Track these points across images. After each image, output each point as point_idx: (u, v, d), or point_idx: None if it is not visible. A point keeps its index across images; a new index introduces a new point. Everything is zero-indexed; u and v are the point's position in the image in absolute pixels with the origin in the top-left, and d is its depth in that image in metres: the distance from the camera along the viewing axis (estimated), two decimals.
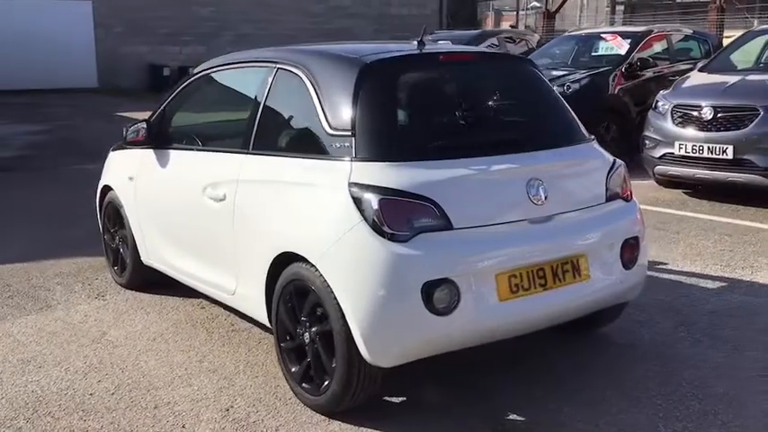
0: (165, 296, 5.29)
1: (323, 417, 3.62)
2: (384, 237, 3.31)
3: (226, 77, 4.77)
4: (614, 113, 9.96)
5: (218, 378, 4.07)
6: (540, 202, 3.63)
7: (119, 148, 5.51)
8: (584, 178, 3.95)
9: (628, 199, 4.12)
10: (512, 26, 31.26)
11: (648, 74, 10.37)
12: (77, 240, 6.68)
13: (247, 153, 4.13)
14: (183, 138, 4.84)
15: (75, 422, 3.63)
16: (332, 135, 3.62)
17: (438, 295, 3.30)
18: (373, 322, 3.32)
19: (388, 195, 3.35)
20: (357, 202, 3.37)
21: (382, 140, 3.54)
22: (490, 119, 3.96)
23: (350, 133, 3.55)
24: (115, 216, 5.53)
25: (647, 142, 8.31)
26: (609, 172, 4.02)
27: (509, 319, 3.55)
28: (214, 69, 4.81)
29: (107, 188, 5.61)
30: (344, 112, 3.61)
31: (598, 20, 31.73)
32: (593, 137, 4.27)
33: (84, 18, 23.82)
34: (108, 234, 5.68)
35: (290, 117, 4.10)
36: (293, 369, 3.78)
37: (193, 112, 5.06)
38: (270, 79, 4.15)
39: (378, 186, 3.37)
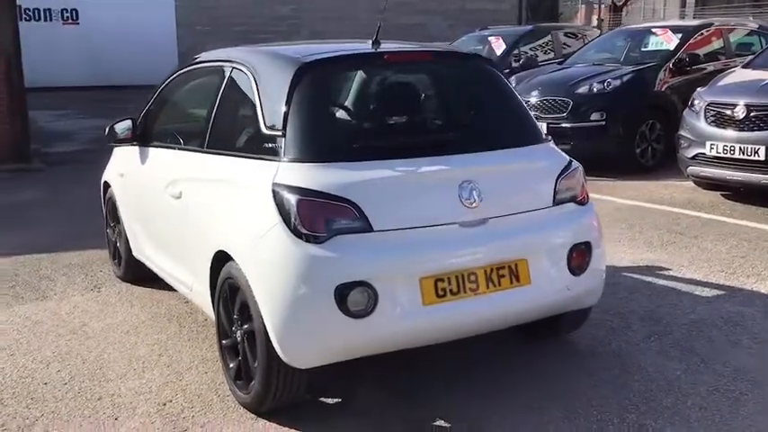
0: (155, 290, 5.43)
1: (251, 415, 3.66)
2: (300, 238, 3.31)
3: (195, 76, 4.85)
4: (659, 111, 9.59)
5: (170, 372, 4.17)
6: (472, 206, 3.54)
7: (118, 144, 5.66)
8: (528, 181, 3.83)
9: (583, 203, 3.98)
10: (599, 20, 30.53)
11: (701, 70, 9.92)
12: (99, 233, 6.92)
13: (202, 152, 4.21)
14: (160, 136, 4.96)
15: (21, 410, 3.79)
16: (266, 135, 3.64)
17: (353, 298, 3.28)
18: (287, 323, 3.33)
19: (306, 196, 3.34)
20: (278, 202, 3.38)
21: (309, 141, 3.54)
22: (427, 120, 3.90)
23: (281, 133, 3.56)
24: (114, 211, 5.72)
25: (681, 142, 7.98)
26: (560, 175, 3.89)
27: (435, 324, 3.48)
28: (187, 68, 4.91)
29: (107, 184, 5.81)
30: (278, 112, 3.62)
31: (671, 14, 30.56)
32: (549, 138, 4.14)
33: (167, 17, 24.57)
34: (109, 228, 5.89)
35: (238, 116, 4.14)
36: (230, 366, 3.83)
37: (172, 110, 5.17)
38: (225, 78, 4.21)
39: (297, 187, 3.37)
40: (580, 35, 13.70)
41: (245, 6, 25.69)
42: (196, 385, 4.00)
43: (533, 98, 9.70)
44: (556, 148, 4.12)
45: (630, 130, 9.37)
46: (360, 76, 3.92)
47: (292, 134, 3.54)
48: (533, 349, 4.36)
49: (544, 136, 4.13)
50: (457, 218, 3.53)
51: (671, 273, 5.63)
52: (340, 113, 3.81)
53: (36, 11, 23.27)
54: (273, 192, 3.41)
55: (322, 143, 3.56)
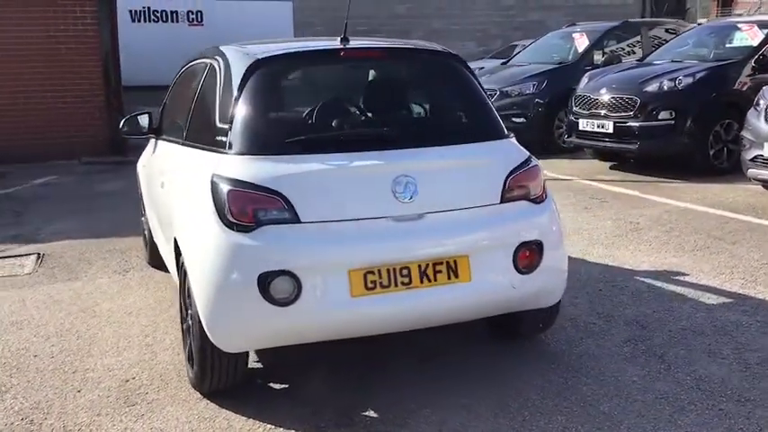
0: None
1: (198, 396, 3.84)
2: (229, 227, 3.46)
3: (191, 71, 5.08)
4: (737, 111, 9.07)
5: (147, 352, 4.43)
6: (405, 200, 3.57)
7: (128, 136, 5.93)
8: (473, 177, 3.79)
9: (538, 201, 3.92)
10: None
11: None
12: None
13: (180, 144, 4.45)
14: (166, 129, 5.24)
15: (2, 378, 4.14)
16: (219, 128, 3.82)
17: (276, 286, 3.39)
18: (214, 309, 3.49)
19: (237, 187, 3.49)
20: (213, 193, 3.55)
21: (249, 135, 3.68)
22: (370, 115, 3.94)
23: (228, 127, 3.73)
24: (142, 199, 6.09)
25: (743, 143, 7.55)
26: (512, 172, 3.84)
27: (363, 316, 3.54)
28: (188, 64, 5.16)
29: (138, 174, 6.20)
30: (228, 107, 3.79)
31: None
32: (510, 134, 4.09)
33: (285, 18, 25.39)
34: (142, 216, 6.27)
35: (205, 110, 4.32)
36: (185, 348, 4.04)
37: (173, 104, 5.43)
38: (204, 74, 4.42)
39: (230, 179, 3.52)
40: (676, 30, 13.11)
41: (363, 6, 26.08)
42: (164, 365, 4.24)
43: (602, 96, 9.45)
44: (515, 144, 4.07)
45: (703, 130, 8.94)
46: (309, 72, 4.03)
47: (236, 128, 3.70)
48: (500, 348, 4.33)
49: (505, 132, 4.09)
50: (389, 212, 3.57)
51: (686, 279, 5.39)
52: (283, 108, 3.93)
53: (164, 12, 24.63)
54: (212, 183, 3.58)
55: (260, 137, 3.69)
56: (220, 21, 24.83)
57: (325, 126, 3.83)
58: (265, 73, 3.84)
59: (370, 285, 3.51)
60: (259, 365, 4.19)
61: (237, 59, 4.01)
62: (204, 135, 4.12)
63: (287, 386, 3.98)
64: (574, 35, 12.23)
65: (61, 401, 3.83)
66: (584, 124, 9.73)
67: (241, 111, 3.73)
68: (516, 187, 3.84)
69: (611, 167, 10.11)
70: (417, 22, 26.54)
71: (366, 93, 4.04)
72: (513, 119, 11.10)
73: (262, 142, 3.67)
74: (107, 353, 4.43)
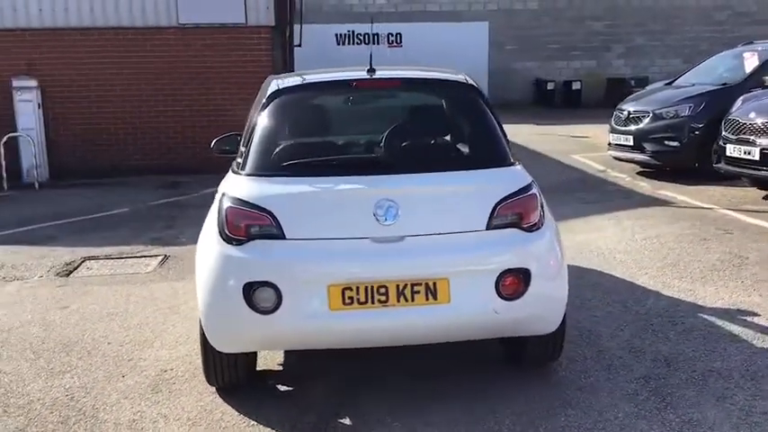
0: None
1: (213, 390, 4.28)
2: (226, 240, 3.88)
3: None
4: None
5: (196, 348, 4.91)
6: (387, 223, 3.80)
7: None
8: (459, 203, 3.91)
9: (531, 229, 3.96)
10: None
11: None
12: None
13: None
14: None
15: (72, 359, 4.84)
16: (241, 151, 4.27)
17: (258, 295, 3.76)
18: (208, 312, 3.92)
19: (234, 204, 3.90)
20: (219, 209, 3.99)
21: (255, 157, 4.09)
22: (367, 142, 4.17)
23: (246, 150, 4.17)
24: None
25: None
26: (504, 200, 3.91)
27: (340, 329, 3.81)
28: None
29: None
30: (249, 132, 4.23)
31: None
32: (513, 162, 4.16)
33: (481, 38, 25.76)
34: None
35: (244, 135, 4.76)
36: None
37: None
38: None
39: (230, 196, 3.95)
40: None
41: (557, 24, 25.89)
42: (200, 361, 4.73)
43: (751, 120, 8.86)
44: (518, 172, 4.13)
45: None
46: (320, 101, 4.34)
47: (249, 151, 4.13)
48: (503, 372, 4.38)
49: (510, 160, 4.17)
50: (369, 233, 3.80)
51: (753, 320, 5.08)
52: (291, 134, 4.27)
53: (366, 35, 25.97)
54: (220, 200, 4.02)
55: (263, 160, 4.08)
56: (418, 42, 25.69)
57: (321, 151, 4.14)
58: (280, 103, 4.24)
59: (347, 301, 3.76)
60: (279, 368, 4.56)
61: (267, 89, 4.43)
62: (238, 158, 4.58)
63: (291, 389, 4.32)
64: (745, 54, 11.47)
65: (104, 384, 4.44)
66: (731, 150, 9.16)
67: (255, 135, 4.15)
68: (506, 215, 3.92)
69: (764, 197, 9.42)
70: (617, 38, 25.84)
71: (369, 121, 4.30)
72: (666, 142, 10.66)
73: (263, 165, 4.06)
74: (165, 346, 5.02)
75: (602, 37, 25.82)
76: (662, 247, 7.07)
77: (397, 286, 3.77)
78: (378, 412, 3.94)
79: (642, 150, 10.90)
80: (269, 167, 4.04)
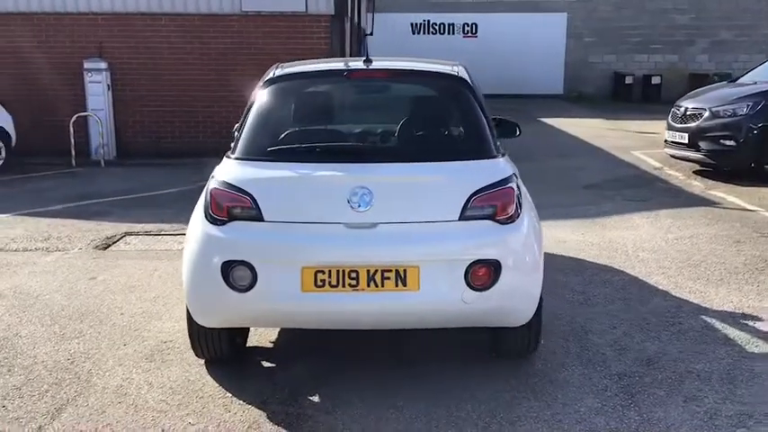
0: None
1: (202, 363, 4.49)
2: (210, 220, 4.08)
3: None
4: None
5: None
6: (361, 210, 3.91)
7: None
8: (433, 193, 3.99)
9: (505, 222, 4.00)
10: None
11: None
12: None
13: None
14: None
15: (83, 327, 5.15)
16: (235, 135, 4.45)
17: (235, 274, 3.94)
18: (190, 287, 4.13)
19: (219, 186, 4.09)
20: (206, 190, 4.19)
21: (243, 142, 4.27)
22: (350, 130, 4.28)
23: (238, 135, 4.36)
24: None
25: None
26: (479, 191, 3.97)
27: (311, 310, 3.95)
28: None
29: None
30: (242, 117, 4.41)
31: None
32: (499, 154, 4.21)
33: (558, 29, 25.35)
34: None
35: None
36: None
37: None
38: None
39: (218, 179, 4.14)
40: None
41: (639, 16, 25.26)
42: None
43: None
44: (500, 164, 4.17)
45: None
46: (313, 90, 4.47)
47: (239, 136, 4.32)
48: (485, 363, 4.43)
49: (493, 152, 4.22)
50: (343, 219, 3.93)
51: (755, 325, 4.97)
52: (280, 121, 4.41)
53: (441, 25, 25.96)
54: (209, 182, 4.22)
55: (250, 145, 4.25)
56: (494, 32, 25.52)
57: (305, 138, 4.28)
58: (273, 90, 4.40)
59: (319, 283, 3.90)
60: (269, 345, 4.75)
61: (264, 77, 4.60)
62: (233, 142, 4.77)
63: (274, 365, 4.50)
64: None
65: (105, 351, 4.72)
66: None
67: (246, 121, 4.33)
68: (480, 206, 3.97)
69: None
70: (700, 33, 25.03)
71: (356, 110, 4.42)
72: (722, 141, 10.36)
73: (250, 149, 4.23)
74: (172, 318, 5.27)
75: (686, 30, 25.04)
76: (691, 247, 6.94)
77: (368, 271, 3.88)
78: (348, 393, 4.07)
79: (697, 149, 10.62)
80: (255, 152, 4.21)
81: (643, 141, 14.76)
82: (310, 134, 4.31)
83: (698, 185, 10.19)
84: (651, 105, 22.69)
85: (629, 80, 24.55)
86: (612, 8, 25.25)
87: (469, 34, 25.92)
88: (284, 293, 3.92)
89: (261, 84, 4.44)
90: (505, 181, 4.07)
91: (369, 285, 3.88)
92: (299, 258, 3.92)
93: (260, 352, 4.68)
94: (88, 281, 6.17)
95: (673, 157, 11.35)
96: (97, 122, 12.46)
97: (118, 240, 7.53)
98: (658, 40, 25.19)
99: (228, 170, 4.16)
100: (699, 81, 22.54)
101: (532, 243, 4.12)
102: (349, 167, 4.04)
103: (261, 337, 4.82)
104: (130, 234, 7.75)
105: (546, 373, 4.28)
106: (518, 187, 4.13)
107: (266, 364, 4.54)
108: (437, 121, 4.38)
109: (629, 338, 4.76)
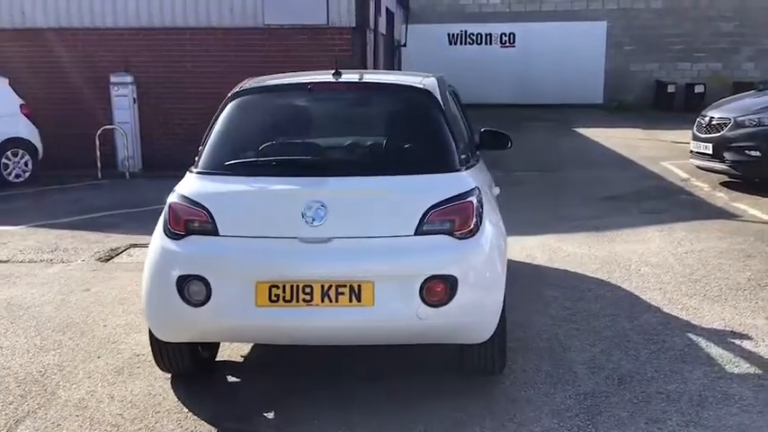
0: None
1: (168, 377, 4.48)
2: (168, 235, 4.08)
3: None
4: None
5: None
6: (314, 224, 3.87)
7: None
8: (389, 208, 3.92)
9: (462, 237, 3.91)
10: None
11: None
12: None
13: None
14: None
15: (63, 339, 5.19)
16: (199, 150, 4.45)
17: (189, 288, 3.93)
18: (147, 302, 4.13)
19: (177, 200, 4.09)
20: (166, 204, 4.19)
21: (204, 156, 4.26)
22: (307, 145, 4.24)
23: (201, 149, 4.36)
24: None
25: None
26: (435, 206, 3.89)
27: (265, 325, 3.92)
28: None
29: None
30: (207, 131, 4.41)
31: None
32: (462, 168, 4.13)
33: (598, 37, 24.98)
34: None
35: None
36: None
37: None
38: None
39: (177, 192, 4.14)
40: None
41: (681, 24, 24.78)
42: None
43: None
44: (461, 178, 4.08)
45: None
46: (274, 103, 4.45)
47: (201, 150, 4.31)
48: (455, 381, 4.32)
49: (456, 166, 4.13)
50: (298, 234, 3.89)
51: (740, 344, 4.77)
52: (241, 135, 4.38)
53: (479, 35, 25.81)
54: (169, 196, 4.22)
55: (210, 159, 4.24)
56: (532, 42, 25.31)
57: (263, 152, 4.24)
58: (237, 104, 4.40)
59: (273, 298, 3.86)
60: (239, 360, 4.72)
61: (232, 91, 4.59)
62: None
63: (238, 381, 4.47)
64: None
65: (78, 363, 4.75)
66: None
67: (209, 135, 4.33)
68: (436, 221, 3.89)
69: None
70: (745, 40, 24.43)
71: (318, 124, 4.37)
72: (747, 151, 10.05)
73: (210, 163, 4.22)
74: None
75: (731, 38, 24.45)
76: (697, 262, 6.72)
77: (322, 287, 3.83)
78: (306, 410, 4.02)
79: (722, 160, 10.32)
80: (214, 166, 4.20)
81: (675, 152, 14.44)
82: (268, 148, 4.28)
83: (721, 197, 9.90)
84: (693, 115, 21.87)
85: (671, 89, 24.06)
86: (654, 16, 24.82)
87: (507, 44, 25.73)
88: (238, 308, 3.89)
89: (226, 98, 4.44)
90: (465, 195, 3.97)
91: (323, 301, 3.83)
92: (252, 273, 3.89)
93: (229, 366, 4.66)
94: (81, 293, 6.24)
95: (698, 168, 11.05)
96: (123, 135, 12.68)
97: (121, 252, 7.61)
98: (702, 48, 24.65)
99: (187, 184, 4.16)
100: (743, 89, 21.81)
101: (493, 258, 4.02)
102: (304, 181, 4.00)
103: (232, 351, 4.80)
104: (136, 246, 7.83)
105: (510, 392, 4.17)
106: (479, 201, 4.03)
107: (232, 379, 4.51)
108: (397, 135, 4.32)
109: (605, 356, 4.62)
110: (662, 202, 9.82)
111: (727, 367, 4.41)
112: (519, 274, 6.52)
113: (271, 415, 4.01)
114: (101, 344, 5.08)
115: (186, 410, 4.07)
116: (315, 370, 4.53)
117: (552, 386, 4.23)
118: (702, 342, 4.81)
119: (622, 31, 24.89)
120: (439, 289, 3.83)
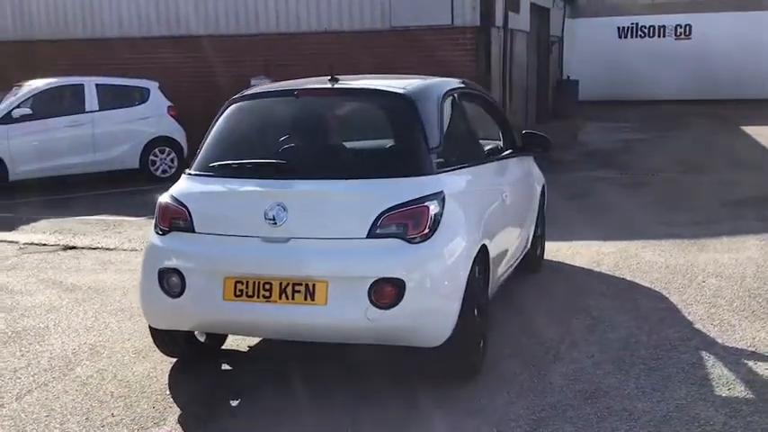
0: None
1: (168, 360, 4.85)
2: (155, 230, 4.45)
3: None
4: None
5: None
6: (276, 224, 4.07)
7: None
8: (345, 210, 4.06)
9: (415, 240, 3.94)
10: None
11: None
12: None
13: None
14: None
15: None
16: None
17: (168, 281, 4.27)
18: (140, 292, 4.52)
19: (165, 199, 4.45)
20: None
21: (197, 159, 4.59)
22: (284, 149, 4.41)
23: (197, 152, 4.69)
24: None
25: None
26: (389, 210, 3.96)
27: (230, 318, 4.19)
28: None
29: None
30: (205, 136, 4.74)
31: None
32: (427, 173, 4.17)
33: None
34: None
35: None
36: None
37: None
38: None
39: (168, 192, 4.50)
40: None
41: None
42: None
43: None
44: (421, 182, 4.10)
45: None
46: (264, 109, 4.67)
47: (196, 153, 4.65)
48: (426, 388, 4.31)
49: (424, 170, 4.16)
50: (260, 233, 4.12)
51: (754, 365, 4.38)
52: (231, 139, 4.62)
53: (651, 28, 24.56)
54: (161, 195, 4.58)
55: (201, 162, 4.55)
56: (710, 33, 23.78)
57: (241, 155, 4.47)
58: (232, 110, 4.69)
59: (238, 293, 4.12)
60: (245, 349, 5.00)
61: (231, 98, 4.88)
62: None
63: (230, 369, 4.76)
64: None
65: (109, 344, 5.24)
66: None
67: (205, 139, 4.65)
68: (389, 224, 3.97)
69: None
70: None
71: (297, 128, 4.54)
72: None
73: (199, 166, 4.54)
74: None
75: None
76: None
77: (281, 284, 4.03)
78: (271, 401, 4.22)
79: None
80: (201, 168, 4.52)
81: None
82: (246, 151, 4.53)
83: None
84: None
85: None
86: None
87: (682, 36, 24.32)
88: (208, 301, 4.17)
89: (225, 105, 4.74)
90: (422, 199, 4.01)
91: (281, 297, 4.03)
92: (221, 268, 4.16)
93: (231, 354, 4.94)
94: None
95: None
96: None
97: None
98: None
99: (178, 185, 4.50)
100: None
101: (446, 263, 4.02)
102: (268, 183, 4.22)
103: (242, 342, 5.08)
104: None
105: (470, 401, 4.12)
106: (441, 206, 4.03)
107: (225, 367, 4.80)
108: (369, 139, 4.41)
109: (594, 369, 4.43)
110: None
111: (716, 390, 4.10)
112: (568, 280, 6.35)
113: (234, 402, 4.26)
114: (139, 327, 5.55)
115: (168, 393, 4.41)
116: (314, 365, 4.67)
117: (518, 395, 4.14)
118: (711, 361, 4.48)
119: None
120: (387, 291, 3.90)
